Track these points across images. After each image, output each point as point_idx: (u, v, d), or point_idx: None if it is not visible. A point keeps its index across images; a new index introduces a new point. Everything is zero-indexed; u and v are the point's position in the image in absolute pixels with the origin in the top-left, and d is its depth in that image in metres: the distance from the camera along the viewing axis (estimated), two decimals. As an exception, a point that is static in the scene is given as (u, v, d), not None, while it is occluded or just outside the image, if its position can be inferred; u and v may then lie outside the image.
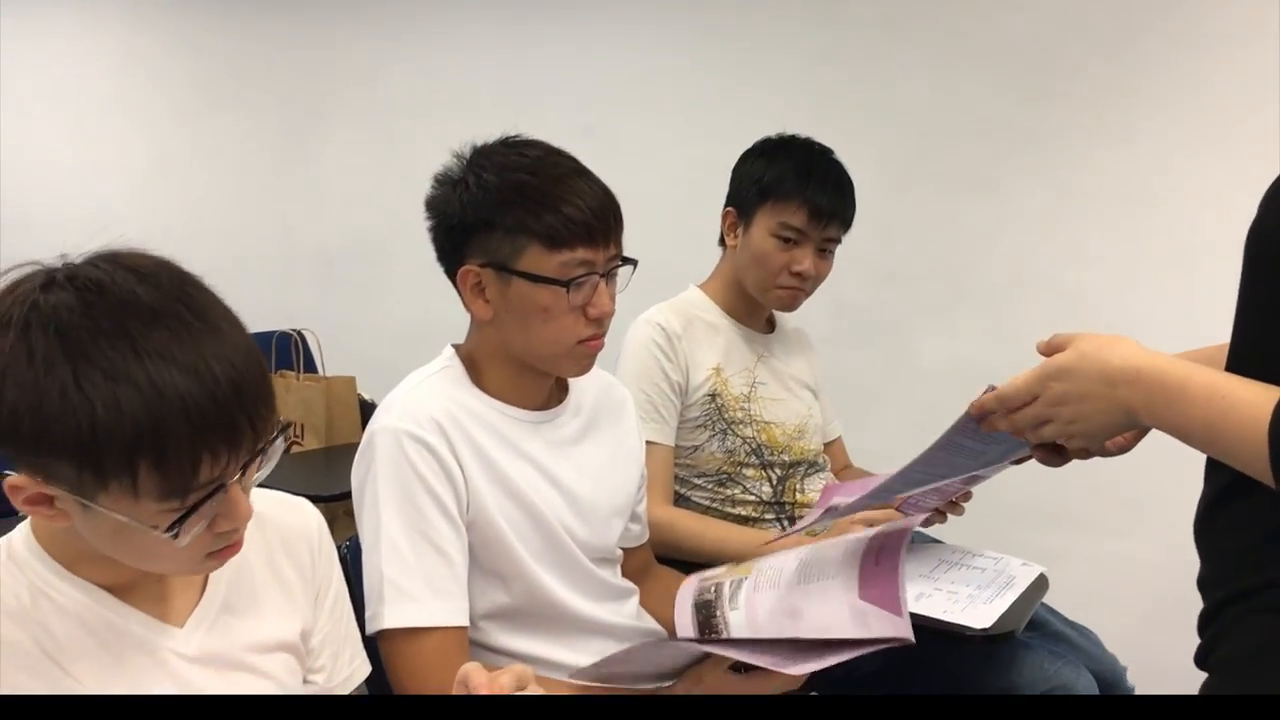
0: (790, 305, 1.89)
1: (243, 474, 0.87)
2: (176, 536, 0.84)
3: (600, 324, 1.31)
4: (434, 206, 1.33)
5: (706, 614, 1.28)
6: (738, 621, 1.25)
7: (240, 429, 0.83)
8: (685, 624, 1.28)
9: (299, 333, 3.05)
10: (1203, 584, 1.09)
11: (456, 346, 1.39)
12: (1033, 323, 2.53)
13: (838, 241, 1.86)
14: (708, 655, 1.23)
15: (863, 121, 2.65)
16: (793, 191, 1.80)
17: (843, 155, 1.87)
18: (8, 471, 0.84)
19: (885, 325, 2.68)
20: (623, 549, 1.50)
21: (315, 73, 3.73)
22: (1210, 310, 1.22)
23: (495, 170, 1.28)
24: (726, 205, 1.90)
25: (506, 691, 0.94)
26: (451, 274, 1.33)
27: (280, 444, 0.91)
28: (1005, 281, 2.56)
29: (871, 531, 1.30)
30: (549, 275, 1.25)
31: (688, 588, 1.32)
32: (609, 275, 1.30)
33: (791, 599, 1.23)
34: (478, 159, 1.31)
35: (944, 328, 2.64)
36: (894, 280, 2.62)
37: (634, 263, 1.33)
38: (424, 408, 1.27)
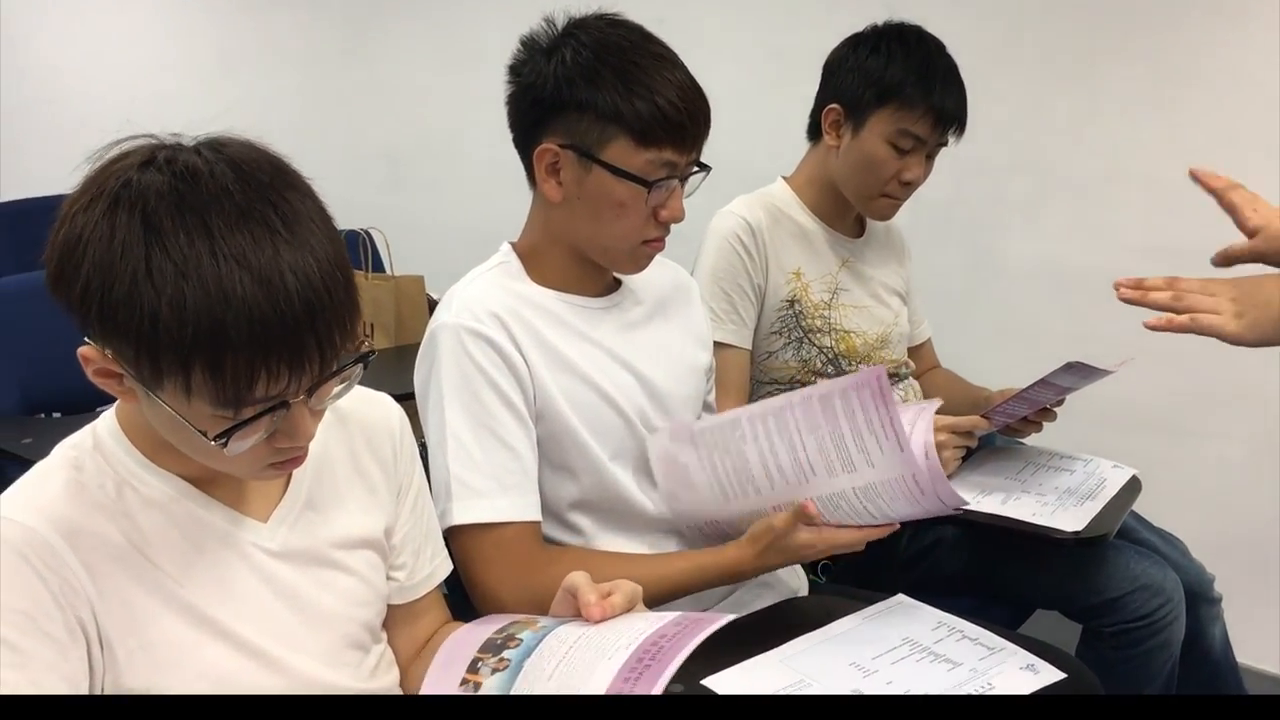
0: (889, 215, 1.80)
1: (309, 395, 0.84)
2: (225, 446, 0.82)
3: (667, 228, 1.29)
4: (519, 73, 1.28)
5: None
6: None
7: (305, 348, 0.80)
8: None
9: (366, 232, 3.04)
10: None
11: (513, 244, 1.37)
12: (1127, 220, 2.42)
13: (945, 144, 1.73)
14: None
15: (944, 3, 2.51)
16: (918, 96, 1.65)
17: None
18: (85, 341, 0.84)
19: (968, 223, 2.57)
20: None
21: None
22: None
23: (593, 47, 1.23)
24: (829, 101, 1.74)
25: (618, 613, 0.92)
26: (524, 147, 1.29)
27: (359, 370, 0.89)
28: (1097, 175, 2.43)
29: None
30: (633, 171, 1.23)
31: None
32: (684, 179, 1.28)
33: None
34: (574, 29, 1.26)
35: (1031, 225, 2.53)
36: (977, 175, 2.51)
37: (708, 169, 1.30)
38: (483, 302, 1.25)
